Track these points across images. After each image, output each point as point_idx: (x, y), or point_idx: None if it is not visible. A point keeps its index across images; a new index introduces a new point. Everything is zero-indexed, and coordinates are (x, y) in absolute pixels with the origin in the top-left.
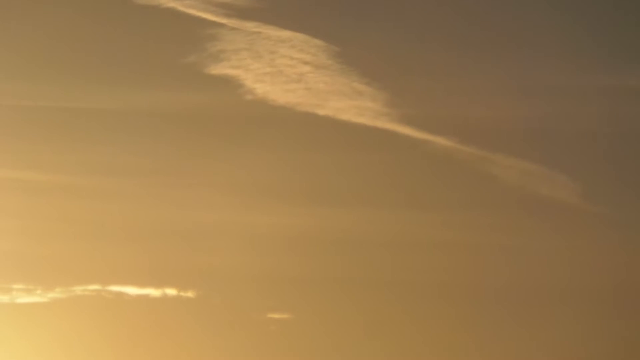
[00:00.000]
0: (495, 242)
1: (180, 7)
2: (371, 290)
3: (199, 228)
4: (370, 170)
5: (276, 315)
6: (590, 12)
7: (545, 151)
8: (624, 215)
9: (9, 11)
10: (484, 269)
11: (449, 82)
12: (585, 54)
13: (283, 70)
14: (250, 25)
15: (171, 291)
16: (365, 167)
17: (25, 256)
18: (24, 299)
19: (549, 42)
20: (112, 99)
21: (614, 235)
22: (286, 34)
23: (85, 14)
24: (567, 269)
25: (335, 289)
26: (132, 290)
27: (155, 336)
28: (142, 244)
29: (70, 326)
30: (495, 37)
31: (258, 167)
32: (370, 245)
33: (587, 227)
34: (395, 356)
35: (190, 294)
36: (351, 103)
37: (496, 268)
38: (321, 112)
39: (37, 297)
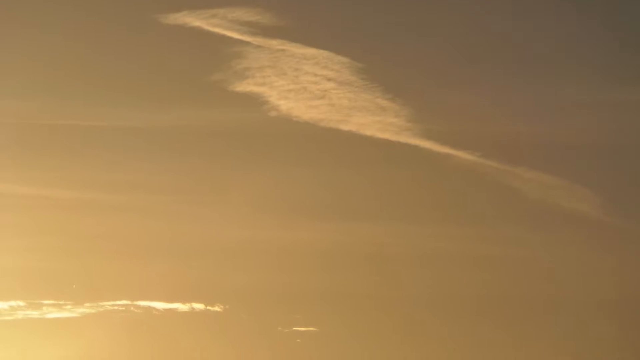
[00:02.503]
0: (518, 255)
1: (205, 26)
2: (396, 304)
3: (225, 244)
4: (393, 185)
5: (302, 329)
6: (613, 27)
7: (567, 164)
8: None
9: (37, 27)
10: (507, 282)
11: (472, 97)
12: (607, 68)
13: (307, 87)
14: (275, 43)
15: (199, 306)
16: (388, 182)
17: (55, 272)
18: (54, 314)
19: (571, 57)
20: (139, 116)
21: (636, 248)
22: (310, 51)
23: (112, 33)
24: (590, 281)
25: (360, 303)
26: (160, 305)
27: (183, 350)
28: (170, 260)
29: (99, 341)
30: (518, 53)
31: (283, 183)
32: (394, 259)
33: (609, 240)
34: None
35: (217, 308)
36: (375, 119)
37: (518, 280)
38: (345, 127)
39: (67, 313)
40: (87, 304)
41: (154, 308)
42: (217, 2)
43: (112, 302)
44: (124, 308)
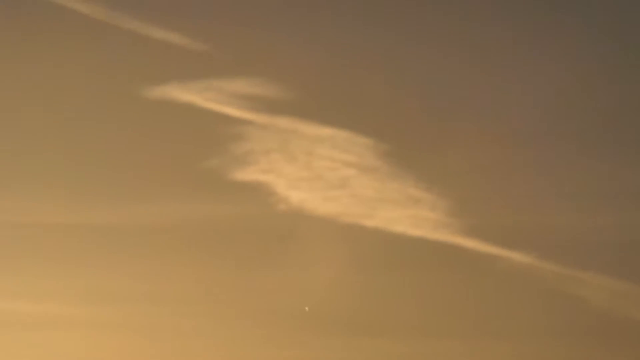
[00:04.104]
0: None
1: (199, 102)
2: None
3: None
4: (429, 293)
5: None
6: None
7: None
8: None
9: None
10: None
11: (525, 185)
12: None
13: (323, 175)
14: (282, 122)
15: None
16: (424, 289)
17: None
18: None
19: None
20: (116, 212)
21: None
22: (326, 131)
23: (84, 109)
24: None
25: None
26: None
27: None
28: None
29: None
30: (580, 129)
31: (294, 291)
32: None
33: None
34: None
35: None
36: (406, 212)
37: None
38: (370, 223)
39: None
40: None
41: None
42: (211, 72)
43: None
44: None
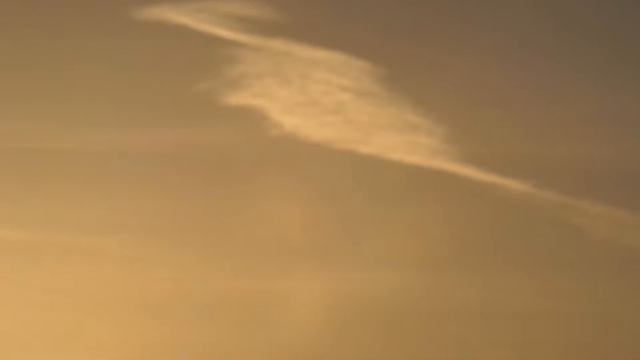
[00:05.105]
0: (583, 309)
1: (191, 23)
2: None
3: (213, 298)
4: (425, 221)
5: None
6: None
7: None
8: None
9: None
10: (569, 343)
11: (523, 113)
12: None
13: (318, 99)
14: (277, 44)
15: None
16: (419, 217)
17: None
18: None
19: None
20: (105, 138)
21: None
22: (321, 54)
23: (73, 33)
24: None
25: None
26: None
27: None
28: (144, 316)
29: None
30: (584, 56)
31: (288, 220)
32: (423, 316)
33: None
34: None
35: None
36: (402, 138)
37: (583, 342)
38: (365, 150)
39: None
40: None
41: None
42: None
43: None
44: None
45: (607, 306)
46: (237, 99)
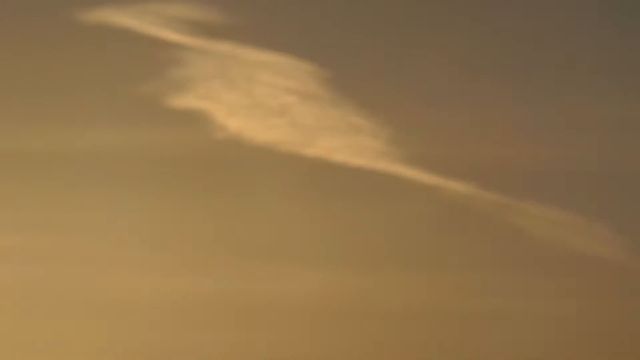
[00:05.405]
0: (523, 309)
1: (136, 26)
2: None
3: (156, 299)
4: (369, 223)
5: None
6: (618, 39)
7: (583, 198)
8: None
9: None
10: (510, 342)
11: (467, 115)
12: (627, 82)
13: (263, 102)
14: (223, 47)
15: None
16: (363, 219)
17: None
18: None
19: (590, 63)
20: (51, 138)
21: None
22: (267, 56)
23: (13, 33)
24: (612, 340)
25: None
26: None
27: None
28: (93, 318)
29: None
30: (524, 59)
31: (230, 221)
32: (368, 315)
33: (633, 290)
34: None
35: None
36: (347, 141)
37: (527, 340)
38: (310, 152)
39: None
40: None
41: None
42: None
43: None
44: None
45: (548, 305)
46: (182, 101)
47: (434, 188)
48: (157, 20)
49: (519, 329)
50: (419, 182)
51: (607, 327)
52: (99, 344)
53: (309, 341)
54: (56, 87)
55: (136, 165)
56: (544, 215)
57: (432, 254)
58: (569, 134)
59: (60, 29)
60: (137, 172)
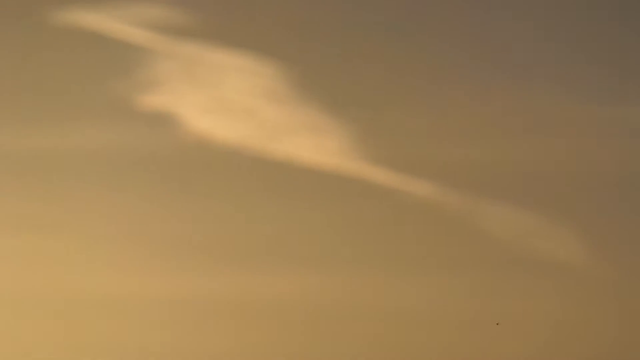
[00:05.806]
0: (486, 309)
1: (104, 28)
2: None
3: (122, 298)
4: (333, 223)
5: None
6: (595, 39)
7: (545, 200)
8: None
9: None
10: (473, 342)
11: (430, 117)
12: (592, 82)
13: (229, 102)
14: (188, 48)
15: None
16: (327, 219)
17: None
18: None
19: (550, 70)
20: (14, 138)
21: (625, 302)
22: (233, 57)
23: None
24: (570, 340)
25: None
26: None
27: None
28: (59, 315)
29: None
30: (487, 65)
31: (195, 221)
32: (332, 317)
33: (594, 293)
34: None
35: None
36: (312, 140)
37: (487, 341)
38: (275, 151)
39: None
40: None
41: None
42: None
43: None
44: None
45: (507, 305)
46: (149, 102)
47: (397, 187)
48: (124, 23)
49: (482, 327)
50: (383, 182)
51: (568, 328)
52: (75, 340)
53: (270, 340)
54: (25, 87)
55: (102, 165)
56: (507, 217)
57: (392, 254)
58: (534, 137)
59: (30, 31)
60: (103, 172)
